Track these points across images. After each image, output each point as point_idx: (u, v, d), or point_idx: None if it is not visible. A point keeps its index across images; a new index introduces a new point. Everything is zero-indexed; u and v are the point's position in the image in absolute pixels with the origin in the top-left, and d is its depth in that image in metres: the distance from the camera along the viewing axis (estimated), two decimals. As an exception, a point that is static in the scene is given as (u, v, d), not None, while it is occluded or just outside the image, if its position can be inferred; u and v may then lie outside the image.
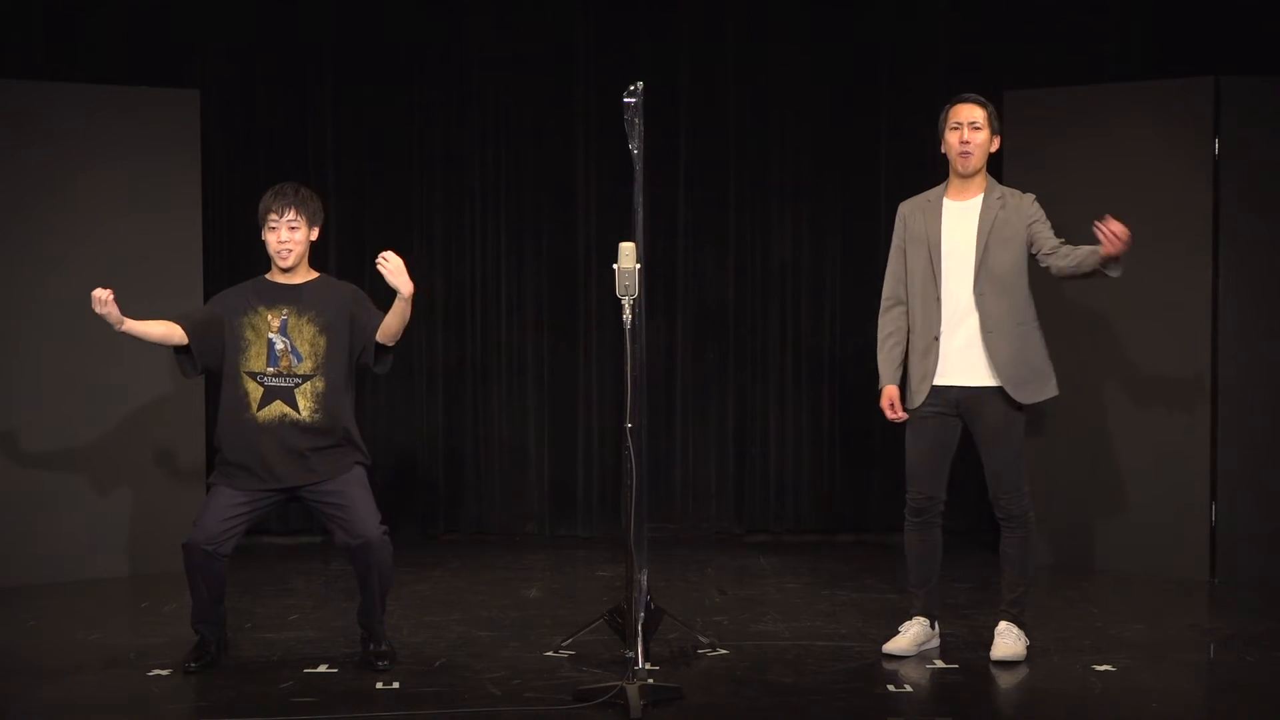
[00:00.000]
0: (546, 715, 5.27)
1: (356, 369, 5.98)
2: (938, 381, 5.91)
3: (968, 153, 5.95)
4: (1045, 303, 7.78)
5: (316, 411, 5.83)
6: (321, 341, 5.87)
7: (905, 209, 6.07)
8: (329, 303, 5.91)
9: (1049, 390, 5.99)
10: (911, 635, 6.05)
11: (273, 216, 5.87)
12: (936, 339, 5.90)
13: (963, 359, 5.88)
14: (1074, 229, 7.69)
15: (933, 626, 6.11)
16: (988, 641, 6.07)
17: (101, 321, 7.51)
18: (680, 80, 8.62)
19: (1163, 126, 7.55)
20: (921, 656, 6.01)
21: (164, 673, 5.80)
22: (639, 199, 5.85)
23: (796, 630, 6.47)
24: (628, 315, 5.65)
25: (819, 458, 8.69)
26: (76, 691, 5.66)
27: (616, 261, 5.64)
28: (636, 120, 5.76)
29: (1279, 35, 7.96)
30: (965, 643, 6.21)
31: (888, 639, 6.11)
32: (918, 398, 5.96)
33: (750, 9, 8.60)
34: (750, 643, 6.25)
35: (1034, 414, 7.83)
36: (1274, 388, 7.47)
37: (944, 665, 5.90)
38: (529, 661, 5.94)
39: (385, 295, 5.81)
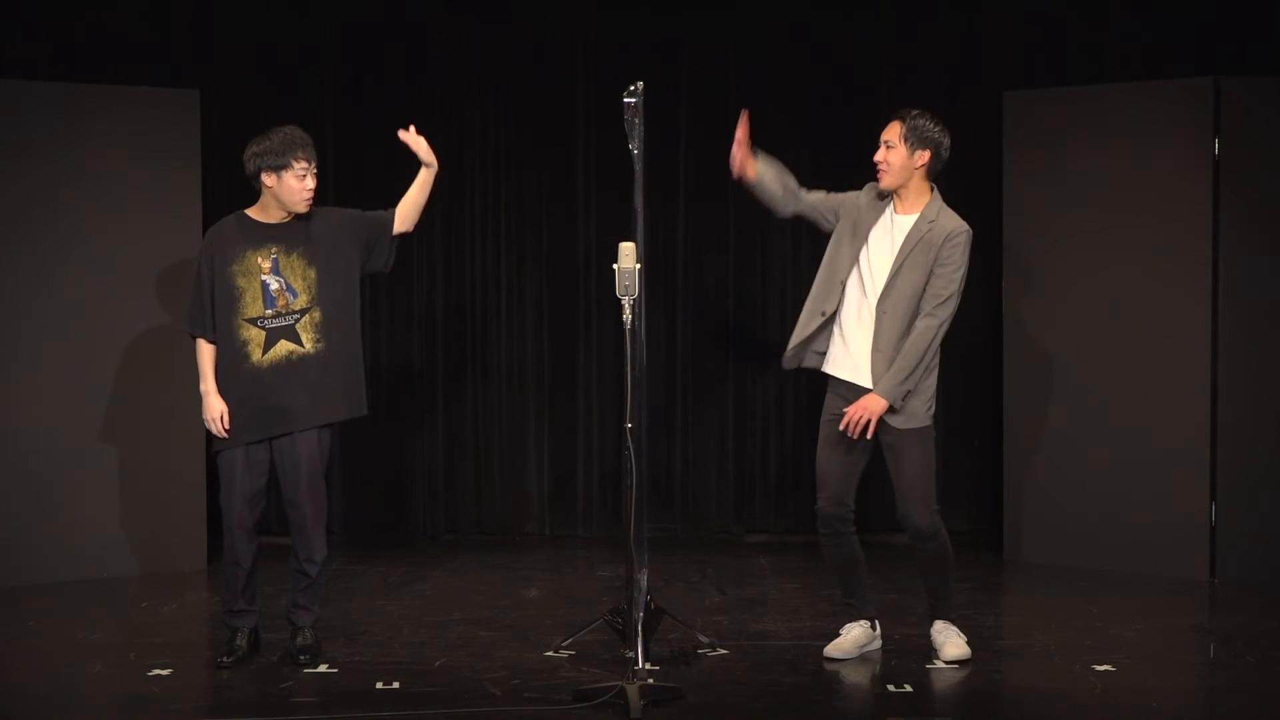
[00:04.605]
0: (546, 715, 5.27)
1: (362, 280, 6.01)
2: (841, 375, 5.85)
3: (881, 172, 5.87)
4: (1045, 299, 7.82)
5: (319, 341, 5.85)
6: (312, 274, 5.85)
7: (872, 188, 5.95)
8: (315, 235, 5.89)
9: (915, 421, 5.79)
10: (853, 638, 6.03)
11: (300, 165, 5.79)
12: (824, 315, 5.85)
13: (860, 361, 5.81)
14: (1074, 229, 7.73)
15: (874, 628, 6.09)
16: (986, 642, 6.08)
17: (102, 320, 7.56)
18: (680, 80, 8.62)
19: (1163, 126, 7.55)
20: (864, 658, 5.99)
21: (164, 673, 5.81)
22: (639, 199, 5.86)
23: (796, 630, 6.47)
24: (628, 315, 5.66)
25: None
26: (76, 691, 5.66)
27: (616, 261, 5.65)
28: (636, 120, 5.77)
29: (1279, 35, 7.95)
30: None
31: (886, 639, 6.12)
32: (793, 361, 5.95)
33: (750, 9, 8.59)
34: (750, 643, 6.25)
35: (1034, 413, 7.86)
36: (1274, 388, 7.47)
37: (944, 665, 5.90)
38: (529, 661, 5.94)
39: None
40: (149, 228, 7.55)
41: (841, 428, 5.76)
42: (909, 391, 5.72)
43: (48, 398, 7.40)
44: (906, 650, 6.10)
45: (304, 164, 5.80)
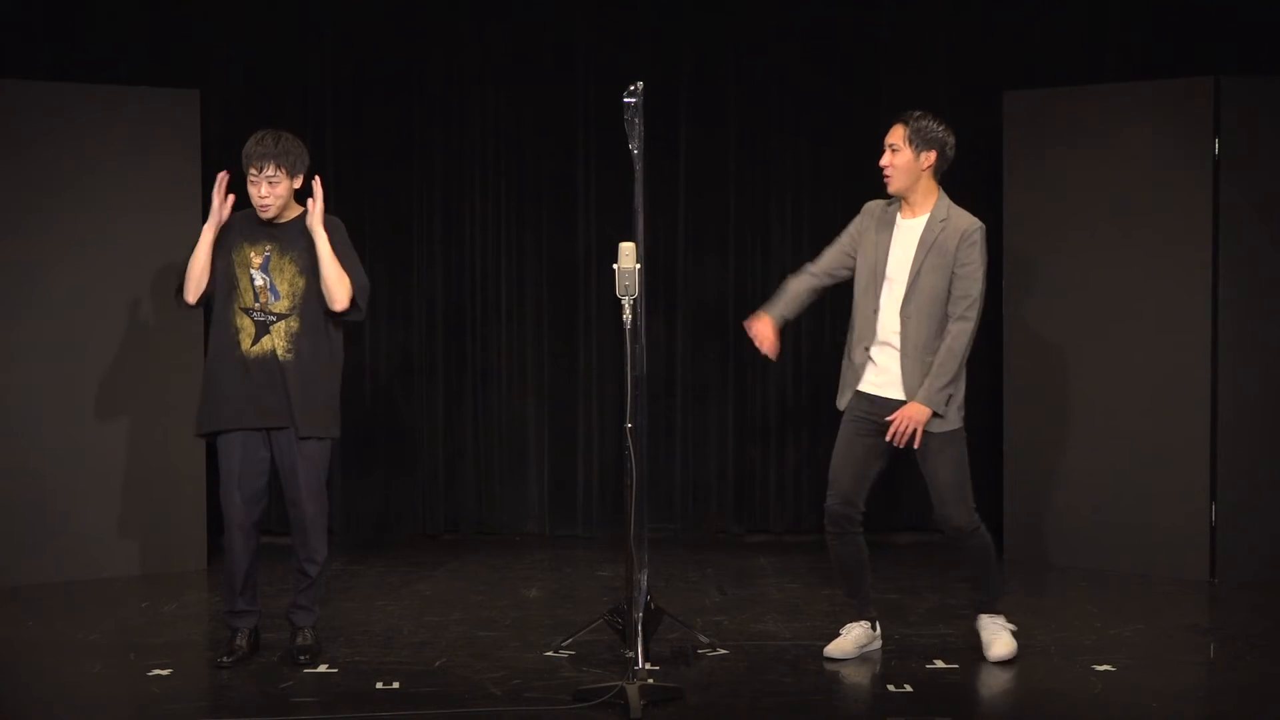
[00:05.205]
0: (546, 715, 5.28)
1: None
2: (868, 390, 5.86)
3: (887, 176, 5.87)
4: (1045, 299, 7.82)
5: (289, 351, 5.86)
6: (300, 283, 5.88)
7: (871, 208, 5.98)
8: (311, 242, 5.90)
9: (949, 424, 5.80)
10: (853, 637, 6.04)
11: (252, 171, 5.87)
12: (867, 350, 5.86)
13: (888, 374, 5.82)
14: (1073, 229, 7.73)
15: (874, 628, 6.10)
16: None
17: (102, 320, 7.55)
18: (680, 80, 8.62)
19: (1163, 126, 7.55)
20: (864, 658, 6.01)
21: (164, 673, 5.81)
22: (639, 199, 5.86)
23: (796, 630, 6.47)
24: (628, 315, 5.65)
25: (819, 457, 8.67)
26: (76, 691, 5.66)
27: (616, 261, 5.65)
28: (636, 120, 5.77)
29: (1279, 35, 7.95)
30: (965, 643, 6.20)
31: (886, 639, 6.12)
32: (843, 400, 5.94)
33: (750, 9, 8.59)
34: (750, 643, 6.25)
35: (1035, 413, 7.87)
36: (1273, 388, 7.47)
37: (944, 665, 5.90)
38: (529, 661, 5.94)
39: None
40: (149, 227, 7.55)
41: (888, 439, 5.77)
42: (950, 395, 5.74)
43: (47, 397, 7.39)
44: (906, 650, 6.11)
45: (254, 172, 5.87)
